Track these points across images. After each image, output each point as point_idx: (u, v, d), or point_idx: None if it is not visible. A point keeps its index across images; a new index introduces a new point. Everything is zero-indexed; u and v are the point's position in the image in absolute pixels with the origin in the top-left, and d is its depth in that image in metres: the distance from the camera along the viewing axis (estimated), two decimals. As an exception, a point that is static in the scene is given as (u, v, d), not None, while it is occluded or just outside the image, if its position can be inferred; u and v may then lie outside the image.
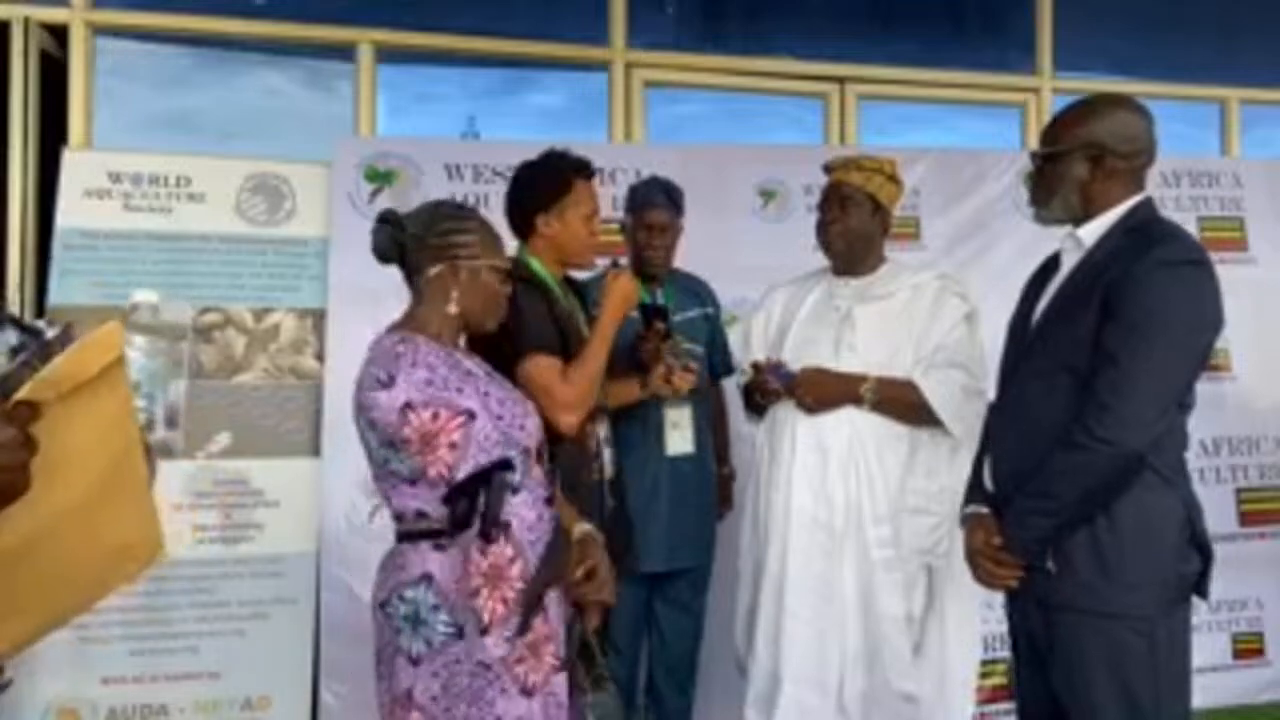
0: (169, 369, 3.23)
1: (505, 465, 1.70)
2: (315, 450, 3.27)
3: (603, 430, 2.31)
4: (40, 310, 3.27)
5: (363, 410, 1.72)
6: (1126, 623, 1.80)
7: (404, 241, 1.82)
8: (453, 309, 1.82)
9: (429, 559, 1.71)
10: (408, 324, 1.82)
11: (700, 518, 2.86)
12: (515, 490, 1.72)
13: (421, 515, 1.73)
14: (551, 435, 1.97)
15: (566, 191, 2.27)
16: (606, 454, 2.30)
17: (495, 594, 1.67)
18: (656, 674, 2.89)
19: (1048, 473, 1.81)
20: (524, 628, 1.69)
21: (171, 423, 3.21)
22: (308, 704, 3.21)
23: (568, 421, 2.08)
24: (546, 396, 2.03)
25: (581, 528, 1.90)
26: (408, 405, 1.66)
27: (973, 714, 2.56)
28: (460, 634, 1.68)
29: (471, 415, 1.68)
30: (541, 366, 2.09)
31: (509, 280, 1.92)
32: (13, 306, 3.33)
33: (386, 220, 1.84)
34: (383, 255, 1.85)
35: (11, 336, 1.31)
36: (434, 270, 1.81)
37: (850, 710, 2.42)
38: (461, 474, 1.67)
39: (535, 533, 1.74)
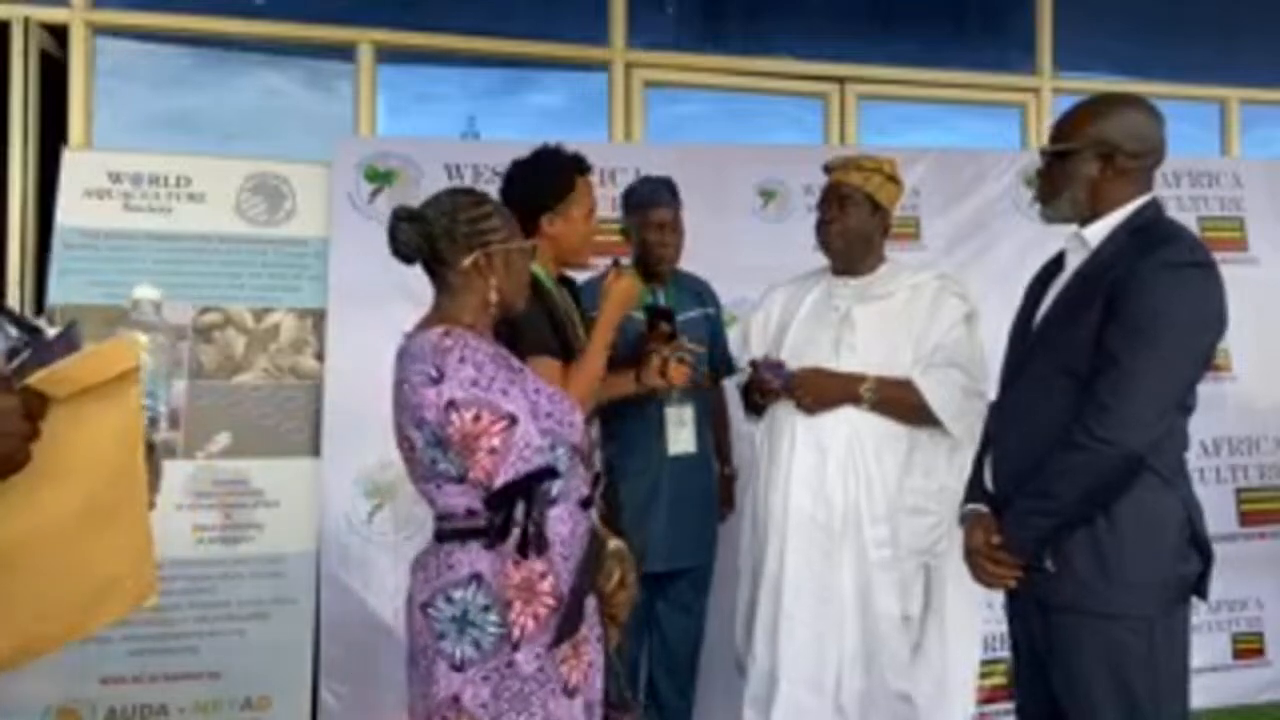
0: (170, 368, 3.23)
1: (544, 475, 1.66)
2: (315, 450, 3.27)
3: (592, 431, 2.26)
4: (40, 310, 3.27)
5: (408, 409, 1.67)
6: (1126, 623, 1.79)
7: (434, 235, 1.75)
8: (493, 296, 1.77)
9: (479, 558, 1.67)
10: (440, 319, 1.75)
11: (702, 517, 2.85)
12: (553, 501, 1.68)
13: (472, 513, 1.69)
14: None
15: (571, 189, 2.24)
16: (595, 456, 2.24)
17: (527, 609, 1.64)
18: (657, 675, 2.88)
19: (1048, 472, 1.81)
20: (561, 639, 1.67)
21: (172, 423, 3.21)
22: (308, 704, 3.21)
23: None
24: None
25: (614, 542, 1.88)
26: (451, 403, 1.62)
27: (973, 714, 2.56)
28: (510, 636, 1.65)
29: (513, 420, 1.64)
30: (543, 369, 2.07)
31: (532, 259, 1.90)
32: (12, 305, 3.33)
33: (406, 218, 1.76)
34: (409, 253, 1.76)
35: (11, 332, 1.30)
36: (468, 260, 1.75)
37: (848, 710, 2.42)
38: (500, 481, 1.63)
39: (568, 547, 1.70)
